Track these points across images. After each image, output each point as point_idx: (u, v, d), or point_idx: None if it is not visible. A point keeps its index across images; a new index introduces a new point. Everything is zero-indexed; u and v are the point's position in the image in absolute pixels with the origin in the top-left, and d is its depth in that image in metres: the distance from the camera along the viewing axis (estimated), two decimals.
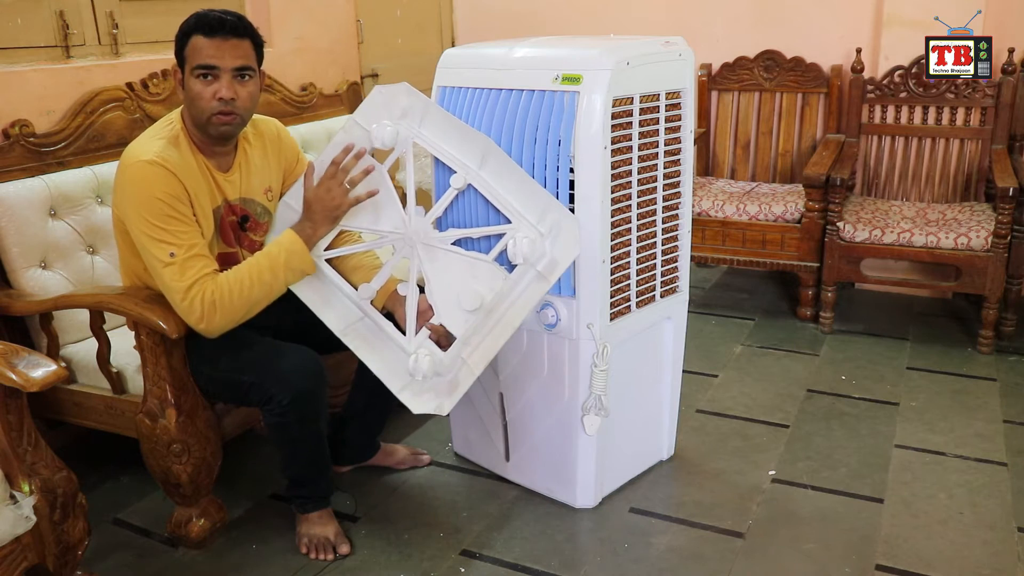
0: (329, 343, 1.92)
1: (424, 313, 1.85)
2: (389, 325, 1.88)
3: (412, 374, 1.79)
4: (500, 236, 1.81)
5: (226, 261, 1.87)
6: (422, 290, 1.88)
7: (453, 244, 1.84)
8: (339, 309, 1.89)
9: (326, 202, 1.81)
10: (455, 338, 1.81)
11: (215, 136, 1.79)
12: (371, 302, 1.90)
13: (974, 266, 2.85)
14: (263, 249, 1.82)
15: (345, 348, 1.87)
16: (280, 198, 1.97)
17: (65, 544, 1.57)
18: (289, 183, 1.98)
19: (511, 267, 1.79)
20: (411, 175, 1.85)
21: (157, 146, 1.74)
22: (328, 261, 1.93)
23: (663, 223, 2.01)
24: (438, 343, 1.84)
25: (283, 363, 1.76)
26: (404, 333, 1.87)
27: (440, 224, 1.90)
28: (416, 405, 1.81)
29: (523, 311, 1.78)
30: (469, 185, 1.82)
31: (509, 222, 1.80)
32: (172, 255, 1.70)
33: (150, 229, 1.70)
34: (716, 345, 3.05)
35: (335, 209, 1.82)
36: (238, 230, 1.90)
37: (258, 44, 1.80)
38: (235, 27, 1.74)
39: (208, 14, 1.73)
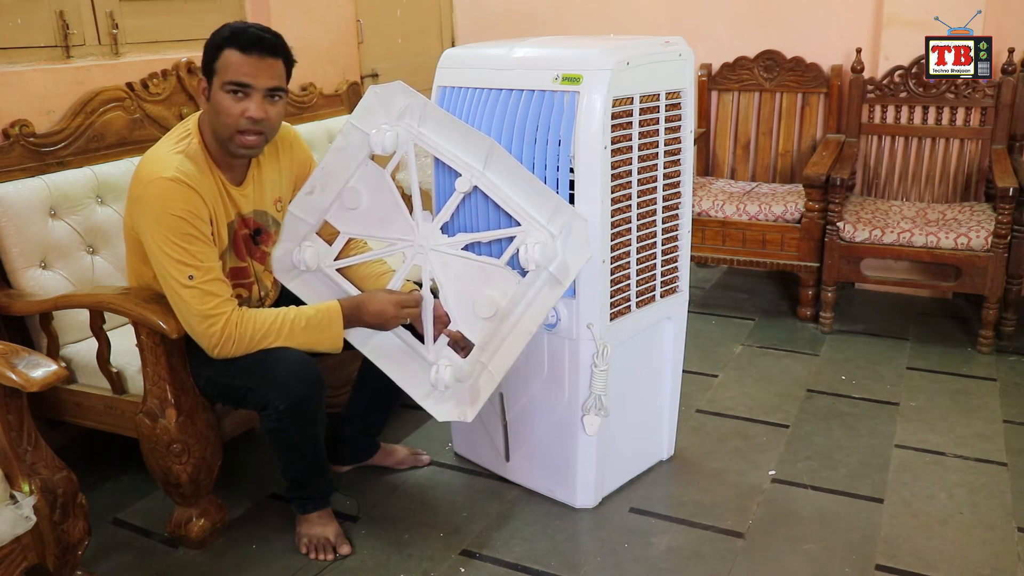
0: None
1: (440, 319, 1.85)
2: (407, 334, 1.88)
3: (434, 386, 1.80)
4: (509, 239, 1.81)
5: (237, 275, 1.87)
6: (435, 295, 1.88)
7: (463, 249, 1.84)
8: None
9: (383, 320, 1.81)
10: (473, 343, 1.81)
11: (235, 154, 1.78)
12: None
13: (974, 266, 2.85)
14: (304, 309, 1.79)
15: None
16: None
17: (65, 544, 1.57)
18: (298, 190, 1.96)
19: (523, 271, 1.78)
20: (415, 180, 1.83)
21: (176, 161, 1.71)
22: (339, 271, 1.93)
23: (663, 223, 2.01)
24: (457, 347, 1.84)
25: (280, 369, 1.74)
26: (422, 340, 1.87)
27: (446, 228, 1.89)
28: (440, 413, 1.82)
29: (539, 316, 1.77)
30: (475, 187, 1.81)
31: (517, 224, 1.79)
32: (191, 278, 1.68)
33: (169, 248, 1.68)
34: (716, 345, 3.05)
35: (382, 327, 1.83)
36: (250, 243, 1.89)
37: (290, 64, 1.78)
38: (272, 46, 1.71)
39: (247, 29, 1.70)
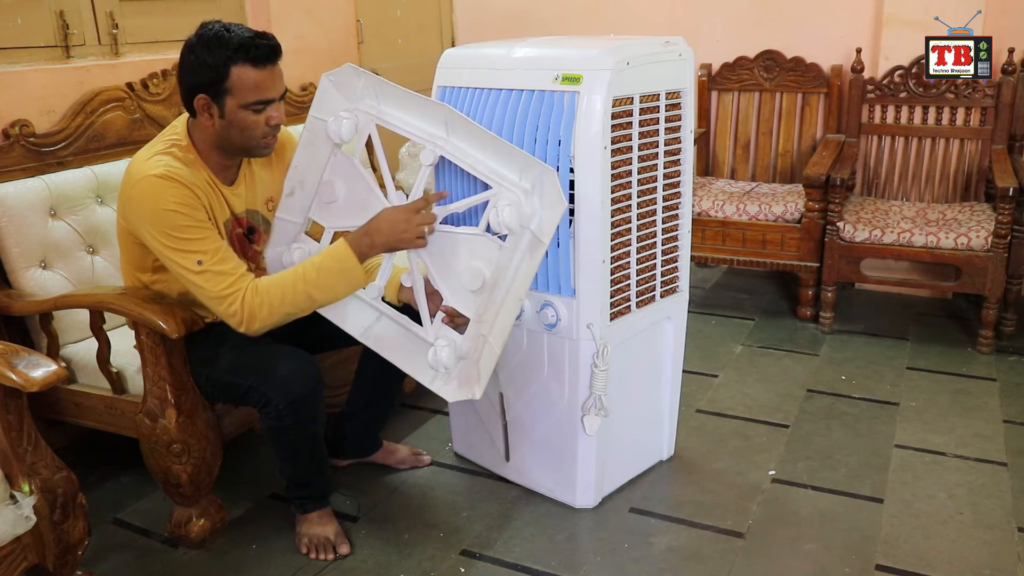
0: (322, 341, 1.93)
1: (433, 297, 1.83)
2: (406, 319, 1.86)
3: (434, 367, 1.78)
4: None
5: None
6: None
7: (442, 223, 1.79)
8: (355, 314, 1.87)
9: (398, 232, 1.73)
10: (468, 317, 1.78)
11: (256, 154, 1.80)
12: (385, 300, 1.88)
13: (974, 266, 2.85)
14: (312, 259, 1.76)
15: (340, 346, 1.86)
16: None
17: (65, 544, 1.57)
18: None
19: (504, 237, 1.74)
20: (383, 160, 1.82)
21: (164, 160, 1.72)
22: None
23: (663, 223, 2.01)
24: (455, 324, 1.81)
25: (280, 367, 1.75)
26: (419, 322, 1.84)
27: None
28: (449, 394, 1.80)
29: (526, 281, 1.74)
30: (442, 158, 1.78)
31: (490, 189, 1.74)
32: (200, 263, 1.68)
33: (171, 241, 1.68)
34: (716, 345, 3.05)
35: (401, 242, 1.74)
36: (244, 242, 1.89)
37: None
38: (278, 52, 1.71)
39: (254, 43, 1.67)
